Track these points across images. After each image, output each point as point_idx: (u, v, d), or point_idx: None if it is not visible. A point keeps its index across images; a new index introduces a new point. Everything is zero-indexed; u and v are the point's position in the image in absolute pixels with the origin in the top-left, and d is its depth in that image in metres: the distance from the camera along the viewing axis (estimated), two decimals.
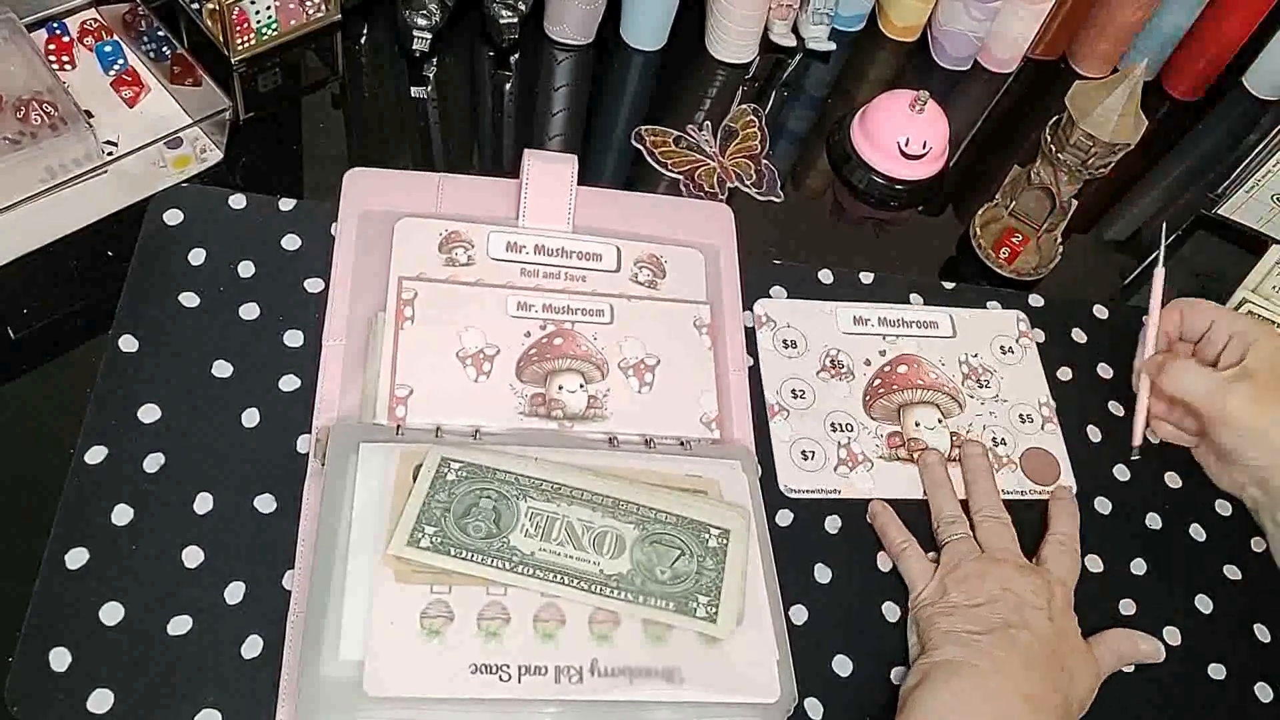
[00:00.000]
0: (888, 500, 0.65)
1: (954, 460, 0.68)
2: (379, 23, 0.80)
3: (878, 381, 0.70)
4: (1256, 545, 0.69)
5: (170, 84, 0.71)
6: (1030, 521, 0.65)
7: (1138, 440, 0.68)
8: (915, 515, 0.65)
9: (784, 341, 0.70)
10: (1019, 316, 0.75)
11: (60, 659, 0.51)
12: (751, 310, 0.71)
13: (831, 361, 0.70)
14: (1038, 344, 0.74)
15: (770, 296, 0.72)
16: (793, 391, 0.68)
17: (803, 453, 0.66)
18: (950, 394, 0.70)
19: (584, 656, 0.53)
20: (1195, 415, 0.65)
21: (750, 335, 0.70)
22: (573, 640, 0.54)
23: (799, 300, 0.72)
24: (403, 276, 0.65)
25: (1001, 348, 0.73)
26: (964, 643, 0.56)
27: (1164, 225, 0.65)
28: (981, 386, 0.71)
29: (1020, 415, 0.71)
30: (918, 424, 0.69)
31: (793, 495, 0.64)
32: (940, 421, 0.69)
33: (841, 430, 0.68)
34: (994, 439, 0.69)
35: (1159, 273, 0.65)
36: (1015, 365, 0.73)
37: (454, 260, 0.67)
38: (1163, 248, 0.65)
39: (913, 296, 0.74)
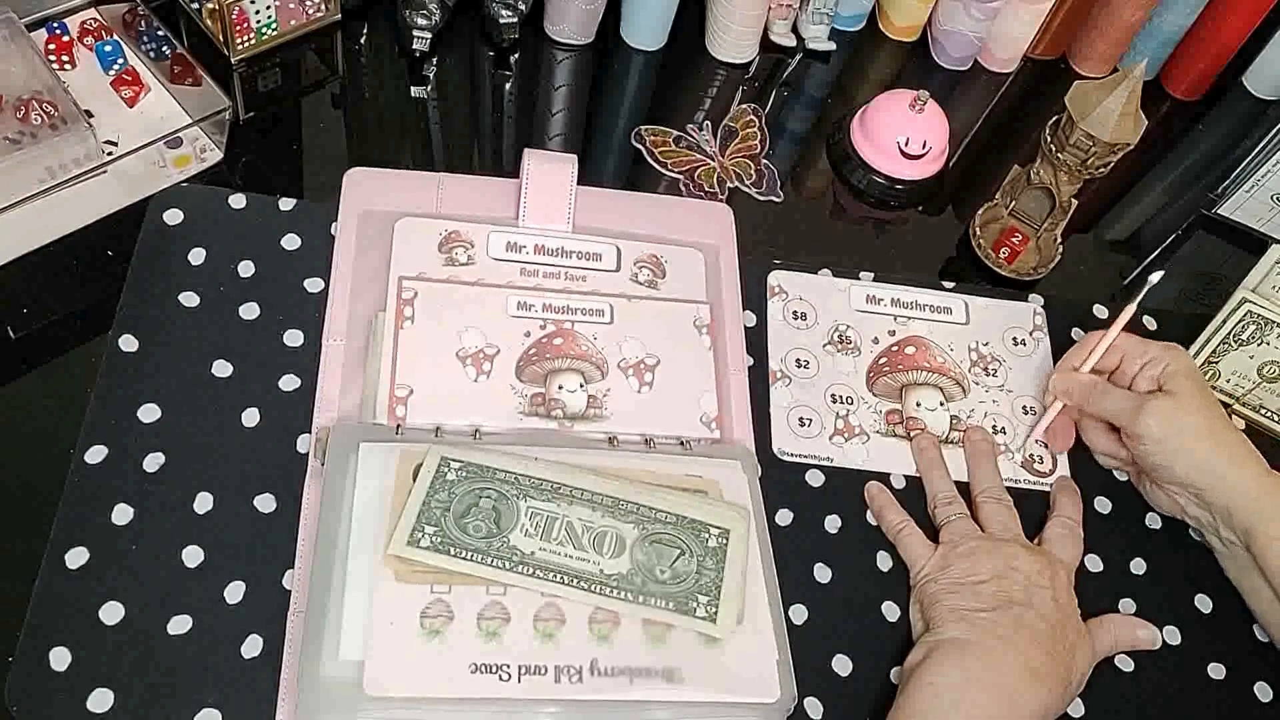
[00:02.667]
0: (880, 475, 0.66)
1: (951, 443, 0.68)
2: (379, 23, 0.80)
3: (883, 360, 0.71)
4: None
5: (170, 84, 0.71)
6: (1022, 512, 0.65)
7: (1032, 440, 0.69)
8: (912, 497, 0.65)
9: (794, 313, 0.71)
10: (1035, 310, 0.75)
11: (60, 659, 0.51)
12: (755, 303, 0.71)
13: (839, 336, 0.71)
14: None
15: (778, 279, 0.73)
16: (797, 361, 0.69)
17: (800, 419, 0.67)
18: (955, 379, 0.71)
19: (584, 656, 0.53)
20: (1121, 439, 0.66)
21: (760, 303, 0.71)
22: (573, 640, 0.54)
23: (812, 275, 0.73)
24: (403, 276, 0.65)
25: (1014, 339, 0.74)
26: (970, 620, 0.57)
27: (1150, 280, 0.66)
28: (989, 375, 0.72)
29: (1024, 407, 0.71)
30: (919, 404, 0.69)
31: (785, 458, 0.65)
32: (942, 404, 0.70)
33: (841, 402, 0.68)
34: (994, 427, 0.69)
35: (1130, 307, 0.66)
36: (1026, 357, 0.73)
37: (454, 260, 0.67)
38: (1144, 291, 0.65)
39: None
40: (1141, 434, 0.62)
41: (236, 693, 0.52)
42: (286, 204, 0.68)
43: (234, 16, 0.72)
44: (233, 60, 0.75)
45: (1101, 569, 0.66)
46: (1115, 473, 0.70)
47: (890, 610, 0.62)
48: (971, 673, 0.55)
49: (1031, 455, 0.69)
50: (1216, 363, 0.72)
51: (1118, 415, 0.64)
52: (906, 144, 0.78)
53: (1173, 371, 0.64)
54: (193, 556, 0.55)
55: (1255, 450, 0.62)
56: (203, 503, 0.57)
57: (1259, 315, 0.70)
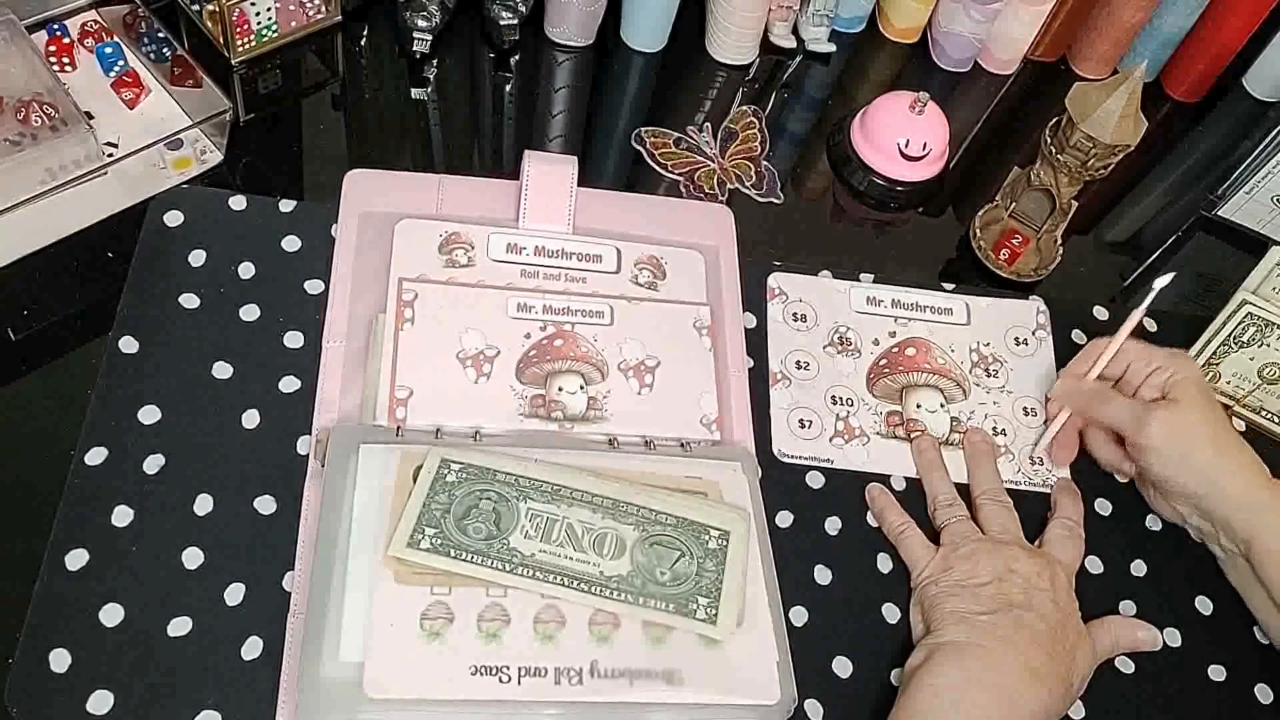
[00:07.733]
0: (880, 476, 0.66)
1: (951, 444, 0.68)
2: (379, 24, 0.80)
3: (884, 361, 0.71)
4: None
5: (170, 85, 0.71)
6: (1022, 513, 0.65)
7: (1039, 451, 0.69)
8: (912, 498, 0.65)
9: (794, 315, 0.71)
10: (1037, 309, 0.75)
11: (60, 660, 0.51)
12: (756, 304, 0.71)
13: (840, 338, 0.71)
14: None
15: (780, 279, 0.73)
16: (797, 363, 0.69)
17: (800, 421, 0.67)
18: (955, 380, 0.71)
19: (584, 658, 0.53)
20: (1126, 449, 0.66)
21: (760, 305, 0.71)
22: (573, 642, 0.54)
23: (812, 276, 0.73)
24: (403, 278, 0.65)
25: (1016, 339, 0.74)
26: (970, 623, 0.57)
27: (1155, 284, 0.65)
28: (990, 375, 0.71)
29: (1024, 408, 0.71)
30: (919, 406, 0.69)
31: (785, 460, 0.65)
32: (942, 405, 0.70)
33: (841, 404, 0.68)
34: (995, 428, 0.69)
35: (1137, 313, 0.65)
36: (1028, 357, 0.73)
37: (454, 261, 0.67)
38: (1151, 296, 0.65)
39: None
40: (1145, 444, 0.62)
41: (236, 694, 0.52)
42: (287, 205, 0.68)
43: (234, 18, 0.72)
44: (233, 62, 0.75)
45: (1102, 570, 0.66)
46: (1116, 473, 0.70)
47: (890, 612, 0.62)
48: (971, 673, 0.55)
49: (1032, 456, 0.69)
50: (1217, 364, 0.72)
51: (1121, 424, 0.64)
52: (906, 145, 0.78)
53: (1178, 380, 0.63)
54: (193, 558, 0.55)
55: (1258, 460, 0.62)
56: (203, 504, 0.57)
57: (1259, 317, 0.70)
